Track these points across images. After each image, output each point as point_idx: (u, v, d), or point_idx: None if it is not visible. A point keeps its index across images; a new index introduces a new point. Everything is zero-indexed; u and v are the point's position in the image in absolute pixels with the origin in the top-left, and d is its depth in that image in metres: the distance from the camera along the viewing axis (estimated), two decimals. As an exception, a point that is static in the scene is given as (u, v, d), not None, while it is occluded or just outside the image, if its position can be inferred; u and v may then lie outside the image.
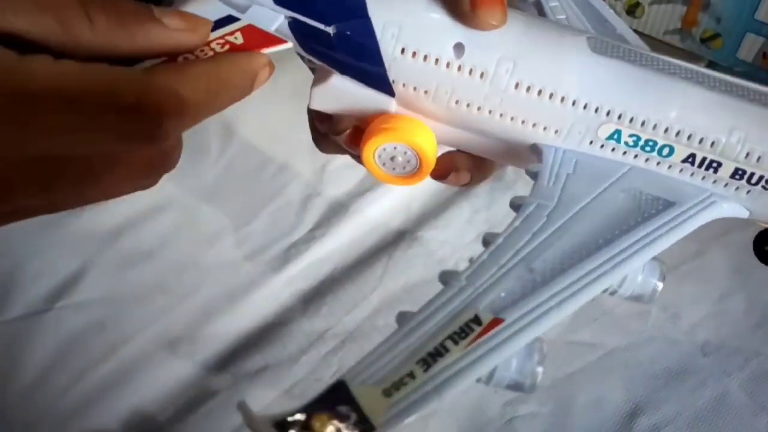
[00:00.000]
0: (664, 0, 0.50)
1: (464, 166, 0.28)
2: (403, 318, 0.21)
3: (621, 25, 0.28)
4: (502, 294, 0.21)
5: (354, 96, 0.25)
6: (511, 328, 0.20)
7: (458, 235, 0.48)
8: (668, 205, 0.23)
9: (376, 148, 0.25)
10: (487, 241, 0.23)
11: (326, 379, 0.42)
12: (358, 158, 0.27)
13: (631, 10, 0.51)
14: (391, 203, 0.49)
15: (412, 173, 0.26)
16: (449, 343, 0.20)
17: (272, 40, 0.24)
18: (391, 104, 0.25)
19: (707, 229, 0.50)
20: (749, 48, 0.48)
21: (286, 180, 0.50)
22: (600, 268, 0.22)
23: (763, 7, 0.45)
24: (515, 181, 0.50)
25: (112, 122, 0.20)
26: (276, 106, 0.52)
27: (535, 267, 0.21)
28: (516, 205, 0.24)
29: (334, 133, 0.28)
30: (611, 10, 0.29)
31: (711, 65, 0.51)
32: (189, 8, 0.23)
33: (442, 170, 0.27)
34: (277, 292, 0.46)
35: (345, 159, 0.51)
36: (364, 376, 0.20)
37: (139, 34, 0.20)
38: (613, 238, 0.22)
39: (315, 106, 0.26)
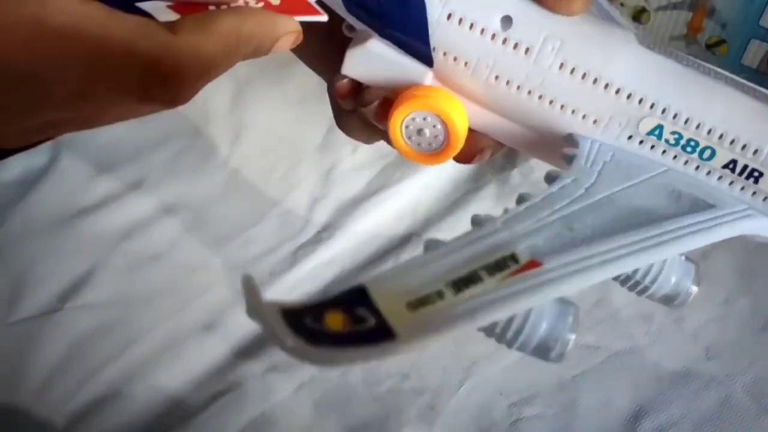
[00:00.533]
0: (670, 6, 0.50)
1: (489, 147, 0.27)
2: (432, 244, 0.20)
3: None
4: (541, 242, 0.20)
5: (390, 62, 0.24)
6: (550, 273, 0.19)
7: (464, 238, 0.48)
8: (707, 206, 0.23)
9: (405, 116, 0.24)
10: (522, 198, 0.22)
11: (334, 380, 0.43)
12: (382, 135, 0.26)
13: (637, 17, 0.52)
14: (398, 206, 0.49)
15: (438, 151, 0.25)
16: (483, 273, 0.19)
17: (309, 9, 0.23)
18: (427, 76, 0.24)
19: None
20: (754, 54, 0.49)
21: (294, 183, 0.51)
22: (641, 243, 0.21)
23: (768, 14, 0.46)
24: (521, 186, 0.50)
25: (130, 79, 0.19)
26: (284, 110, 0.53)
27: (576, 227, 0.21)
28: (552, 177, 0.23)
29: (362, 103, 0.26)
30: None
31: (716, 71, 0.52)
32: None
33: (468, 152, 0.26)
34: (285, 294, 0.46)
35: (352, 161, 0.52)
36: (387, 285, 0.18)
37: None
38: (655, 220, 0.21)
39: (347, 71, 0.25)
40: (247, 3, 0.22)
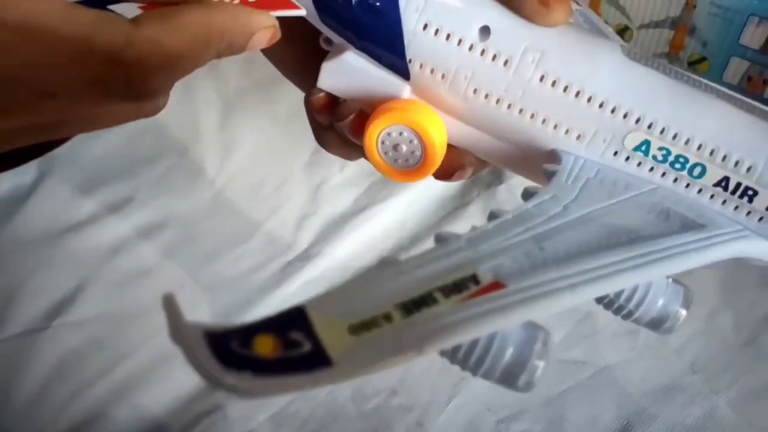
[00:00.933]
0: (652, 24, 0.51)
1: (470, 163, 0.26)
2: (386, 262, 0.18)
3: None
4: (507, 262, 0.18)
5: (366, 75, 0.23)
6: (514, 296, 0.17)
7: (452, 254, 0.48)
8: (698, 226, 0.21)
9: (380, 130, 0.23)
10: (494, 215, 0.20)
11: (321, 397, 0.43)
12: (360, 152, 0.24)
13: (620, 34, 0.53)
14: (385, 223, 0.49)
15: (415, 167, 0.24)
16: (439, 295, 0.17)
17: (287, 3, 0.22)
18: (404, 89, 0.23)
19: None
20: (734, 71, 0.50)
21: (282, 199, 0.51)
22: (617, 265, 0.19)
23: (747, 32, 0.46)
24: (507, 202, 0.50)
25: (90, 73, 0.19)
26: (273, 128, 0.53)
27: (547, 247, 0.19)
28: (530, 194, 0.21)
29: (338, 118, 0.25)
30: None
31: (698, 88, 0.52)
32: None
33: (448, 168, 0.25)
34: (273, 310, 0.46)
35: (340, 178, 0.52)
36: (328, 306, 0.16)
37: None
38: (639, 239, 0.20)
39: (323, 85, 0.24)
40: None
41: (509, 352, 0.18)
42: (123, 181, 0.51)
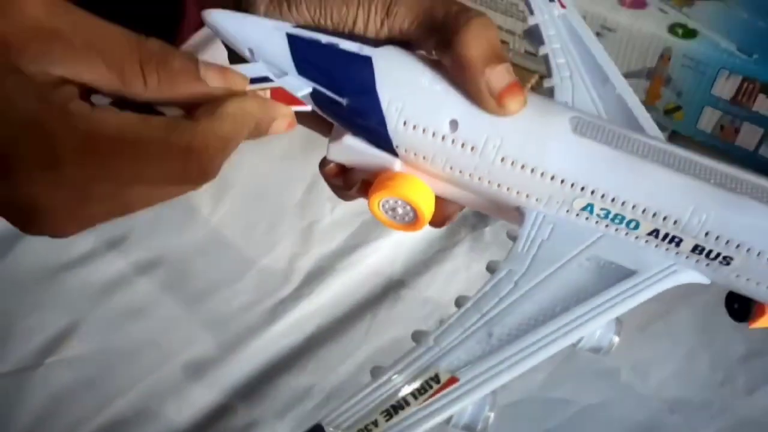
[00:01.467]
0: (630, 75, 0.53)
1: (456, 212, 0.31)
2: (376, 372, 0.24)
3: (621, 84, 0.31)
4: (462, 355, 0.24)
5: (364, 153, 0.28)
6: (464, 386, 0.23)
7: (441, 293, 0.50)
8: (629, 273, 0.26)
9: (379, 200, 0.28)
10: (459, 303, 0.25)
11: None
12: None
13: (600, 83, 0.55)
14: (375, 262, 0.51)
15: (411, 223, 0.29)
16: (410, 398, 0.23)
17: (295, 101, 0.27)
18: (395, 163, 0.28)
19: (673, 289, 0.52)
20: (708, 120, 0.52)
21: (276, 238, 0.52)
22: (554, 334, 0.24)
23: (718, 84, 0.49)
24: (492, 243, 0.52)
25: (171, 165, 0.23)
26: (266, 168, 0.55)
27: (494, 332, 0.24)
28: (491, 269, 0.26)
29: (346, 187, 0.31)
30: (614, 68, 0.31)
31: (674, 134, 0.55)
32: (238, 67, 0.26)
33: (439, 218, 0.30)
34: (265, 349, 0.47)
35: (332, 218, 0.54)
36: (338, 421, 0.23)
37: (183, 91, 0.24)
38: (571, 305, 0.25)
39: (331, 158, 0.29)
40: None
41: (468, 412, 0.24)
42: (117, 220, 0.52)
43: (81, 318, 0.48)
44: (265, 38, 0.27)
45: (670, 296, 0.48)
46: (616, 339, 0.26)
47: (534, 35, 0.32)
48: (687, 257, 0.26)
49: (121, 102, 0.24)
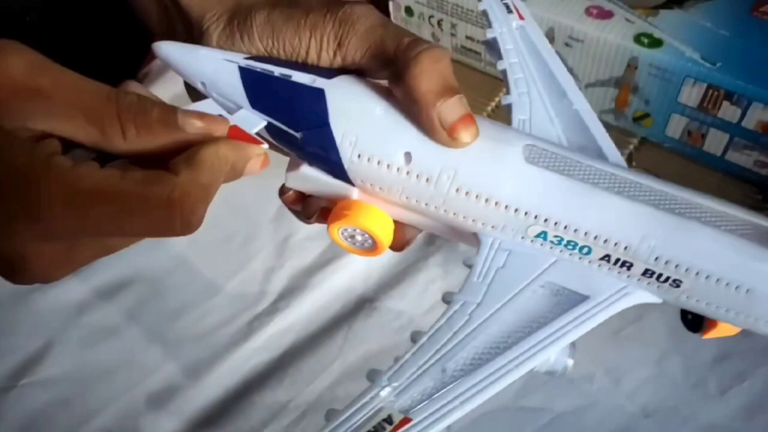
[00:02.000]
0: (598, 83, 0.54)
1: (416, 236, 0.31)
2: (331, 415, 0.24)
3: (578, 99, 0.31)
4: (416, 394, 0.24)
5: (321, 183, 0.28)
6: (418, 426, 0.23)
7: (415, 305, 0.50)
8: (582, 299, 0.26)
9: (337, 229, 0.29)
10: (414, 338, 0.26)
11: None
12: None
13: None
14: (350, 275, 0.51)
15: (370, 249, 0.30)
16: None
17: (252, 140, 0.26)
18: (353, 191, 0.28)
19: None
20: (675, 126, 0.53)
21: (250, 253, 0.52)
22: (508, 365, 0.24)
23: (684, 92, 0.50)
24: (468, 252, 0.52)
25: (151, 218, 0.23)
26: (240, 183, 0.54)
27: (448, 367, 0.24)
28: (447, 300, 0.26)
29: (306, 215, 0.31)
30: (572, 81, 0.31)
31: (643, 141, 0.56)
32: (191, 105, 0.26)
33: (399, 243, 0.30)
34: (240, 365, 0.47)
35: (307, 232, 0.54)
36: None
37: (162, 140, 0.24)
38: (525, 335, 0.25)
39: (289, 186, 0.30)
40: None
41: None
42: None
43: (54, 339, 0.48)
44: (218, 71, 0.27)
45: (641, 302, 0.49)
46: (571, 362, 0.26)
47: (493, 49, 0.32)
48: (638, 280, 0.26)
49: (104, 155, 0.24)
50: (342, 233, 0.29)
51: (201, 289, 0.50)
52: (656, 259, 0.25)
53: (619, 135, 0.55)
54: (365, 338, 0.48)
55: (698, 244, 0.25)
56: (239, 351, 0.47)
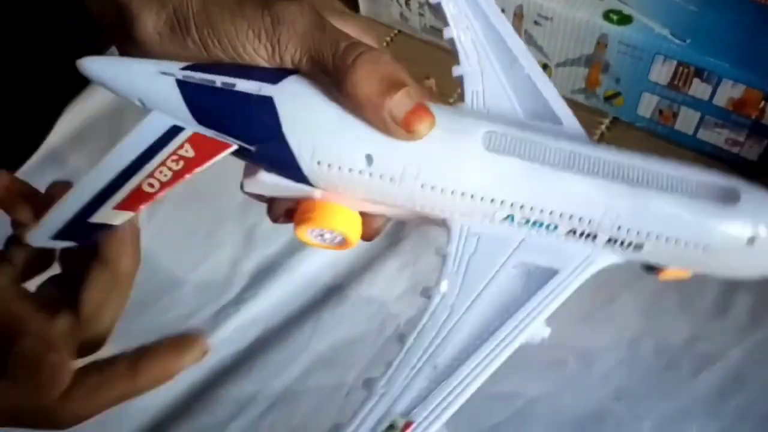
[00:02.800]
0: (568, 62, 0.53)
1: (385, 225, 0.31)
2: (336, 430, 0.24)
3: (530, 63, 0.30)
4: (413, 395, 0.24)
5: (281, 187, 0.28)
6: (421, 426, 0.24)
7: (385, 292, 0.49)
8: (553, 273, 0.27)
9: (305, 231, 0.29)
10: (401, 338, 0.26)
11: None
12: None
13: (540, 71, 0.55)
14: (318, 263, 0.50)
15: (341, 244, 0.29)
16: None
17: (221, 146, 0.25)
18: (315, 192, 0.27)
19: (618, 276, 0.52)
20: (647, 105, 0.52)
21: (216, 243, 0.51)
22: (496, 349, 0.25)
23: (655, 70, 0.49)
24: (440, 236, 0.51)
25: None
26: (204, 171, 0.53)
27: (439, 363, 0.25)
28: (427, 296, 0.26)
29: (271, 219, 0.31)
30: (521, 44, 0.30)
31: (615, 121, 0.55)
32: (141, 126, 0.25)
33: (369, 233, 0.30)
34: (206, 358, 0.46)
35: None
36: None
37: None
38: (506, 317, 0.26)
39: (248, 190, 0.29)
40: (170, 168, 0.25)
41: None
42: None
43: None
44: (154, 87, 0.25)
45: (614, 284, 0.49)
46: (548, 331, 0.27)
47: (438, 13, 0.31)
48: (603, 248, 0.27)
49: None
50: (310, 233, 0.29)
51: (165, 280, 0.49)
52: (618, 228, 0.26)
53: (590, 115, 0.54)
54: (334, 327, 0.47)
55: (657, 210, 0.26)
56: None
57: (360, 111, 0.25)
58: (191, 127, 0.25)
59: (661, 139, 0.53)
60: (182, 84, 0.25)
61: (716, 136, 0.50)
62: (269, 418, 0.44)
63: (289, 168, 0.26)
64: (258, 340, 0.47)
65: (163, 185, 0.25)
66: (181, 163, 0.25)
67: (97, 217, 0.25)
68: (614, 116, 0.55)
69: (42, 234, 0.25)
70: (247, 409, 0.44)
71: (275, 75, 0.26)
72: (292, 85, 0.26)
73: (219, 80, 0.25)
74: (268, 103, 0.25)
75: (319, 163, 0.26)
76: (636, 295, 0.48)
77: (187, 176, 0.25)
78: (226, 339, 0.47)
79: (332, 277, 0.50)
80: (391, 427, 0.24)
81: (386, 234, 0.51)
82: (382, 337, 0.47)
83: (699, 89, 0.48)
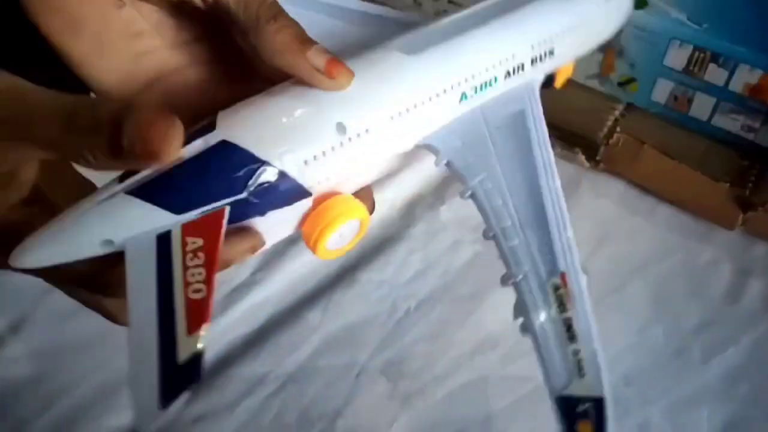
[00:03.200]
0: (583, 47, 0.53)
1: (372, 193, 0.31)
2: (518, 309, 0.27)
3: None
4: (540, 258, 0.27)
5: (284, 223, 0.26)
6: (569, 270, 0.27)
7: (395, 276, 0.49)
8: (521, 113, 0.30)
9: (324, 244, 0.26)
10: (491, 236, 0.28)
11: (266, 423, 0.43)
12: None
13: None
14: (329, 246, 0.50)
15: (356, 234, 0.28)
16: (562, 313, 0.27)
17: (216, 216, 0.23)
18: (309, 202, 0.26)
19: (627, 263, 0.52)
20: (662, 91, 0.52)
21: (227, 225, 0.51)
22: (549, 181, 0.29)
23: (670, 55, 0.49)
24: (449, 222, 0.52)
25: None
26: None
27: (526, 225, 0.28)
28: (466, 197, 0.29)
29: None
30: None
31: (629, 107, 0.54)
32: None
33: (370, 207, 0.29)
34: (218, 338, 0.46)
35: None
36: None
37: None
38: (532, 161, 0.29)
39: (262, 247, 0.26)
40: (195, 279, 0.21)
41: None
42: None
43: (26, 314, 0.46)
44: (109, 216, 0.22)
45: (624, 271, 0.48)
46: (585, 279, 0.28)
47: None
48: (531, 70, 0.31)
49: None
50: (330, 243, 0.27)
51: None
52: (532, 47, 0.31)
53: (604, 101, 0.54)
54: (345, 309, 0.47)
55: (549, 19, 0.31)
56: (216, 325, 0.46)
57: (280, 57, 0.26)
58: (174, 222, 0.23)
59: (675, 126, 0.53)
60: (135, 192, 0.23)
61: (731, 123, 0.50)
62: (280, 397, 0.44)
63: (285, 186, 0.25)
64: (269, 321, 0.47)
65: (207, 281, 0.22)
66: (200, 254, 0.22)
67: (182, 354, 0.21)
68: (628, 102, 0.54)
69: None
70: (258, 389, 0.44)
71: (205, 127, 0.24)
72: (231, 115, 0.25)
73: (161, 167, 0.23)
74: (225, 145, 0.23)
75: (306, 162, 0.25)
76: (645, 281, 0.48)
77: (218, 259, 0.22)
78: (239, 319, 0.47)
79: (343, 260, 0.50)
80: (556, 288, 0.27)
81: (396, 218, 0.52)
82: (393, 319, 0.47)
83: (715, 75, 0.48)
